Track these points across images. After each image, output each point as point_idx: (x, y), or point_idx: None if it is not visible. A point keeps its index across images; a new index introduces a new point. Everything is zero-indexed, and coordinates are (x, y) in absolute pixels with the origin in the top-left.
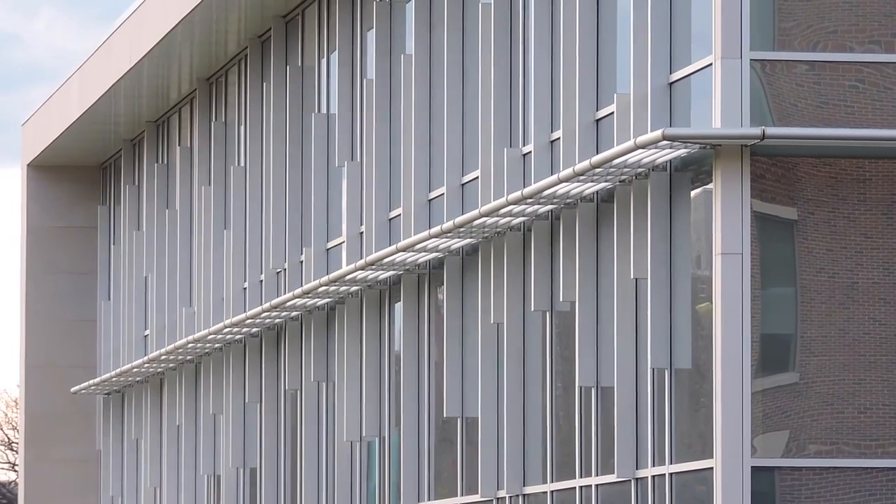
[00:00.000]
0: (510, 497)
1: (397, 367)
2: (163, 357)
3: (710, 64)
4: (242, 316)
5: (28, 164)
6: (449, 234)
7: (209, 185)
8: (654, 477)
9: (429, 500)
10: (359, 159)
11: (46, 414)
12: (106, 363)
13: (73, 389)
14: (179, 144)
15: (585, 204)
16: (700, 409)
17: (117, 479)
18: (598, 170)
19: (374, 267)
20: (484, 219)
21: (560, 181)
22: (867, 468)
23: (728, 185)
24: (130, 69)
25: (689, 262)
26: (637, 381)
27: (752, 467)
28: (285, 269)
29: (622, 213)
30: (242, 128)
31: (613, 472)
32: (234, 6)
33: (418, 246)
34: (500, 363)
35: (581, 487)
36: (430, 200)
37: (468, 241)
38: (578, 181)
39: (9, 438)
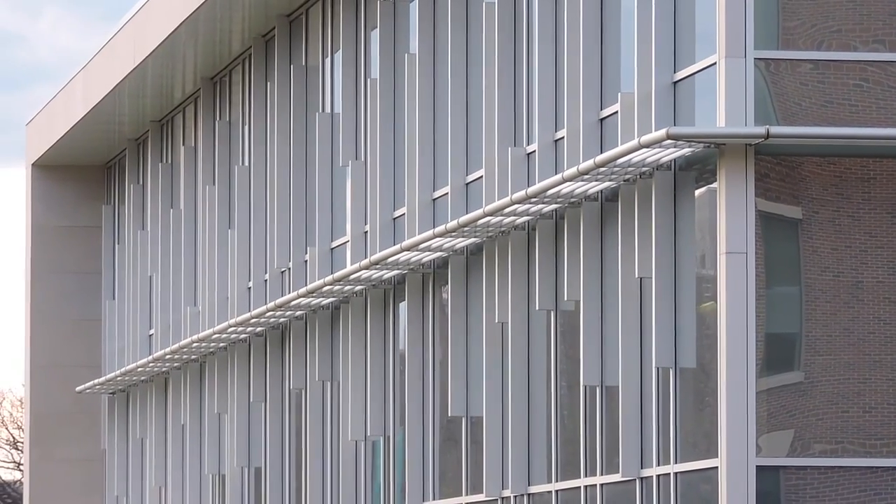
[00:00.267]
0: (515, 496)
1: (402, 366)
2: (167, 356)
3: (715, 63)
4: (247, 315)
5: (32, 164)
6: (453, 234)
7: (213, 184)
8: (658, 476)
9: (433, 499)
10: (363, 159)
11: (51, 413)
12: (111, 362)
13: (77, 389)
14: (184, 144)
15: (589, 203)
16: (705, 409)
17: (122, 479)
18: (602, 169)
19: (378, 266)
20: (488, 218)
21: (564, 180)
22: (872, 467)
23: (732, 184)
24: (134, 69)
25: (694, 262)
26: (642, 381)
27: (757, 466)
28: (290, 269)
29: (626, 213)
30: (246, 127)
31: (618, 472)
32: (238, 6)
33: (422, 245)
34: (505, 362)
35: (586, 487)
36: (434, 200)
37: (472, 240)
38: (582, 180)
39: (14, 438)
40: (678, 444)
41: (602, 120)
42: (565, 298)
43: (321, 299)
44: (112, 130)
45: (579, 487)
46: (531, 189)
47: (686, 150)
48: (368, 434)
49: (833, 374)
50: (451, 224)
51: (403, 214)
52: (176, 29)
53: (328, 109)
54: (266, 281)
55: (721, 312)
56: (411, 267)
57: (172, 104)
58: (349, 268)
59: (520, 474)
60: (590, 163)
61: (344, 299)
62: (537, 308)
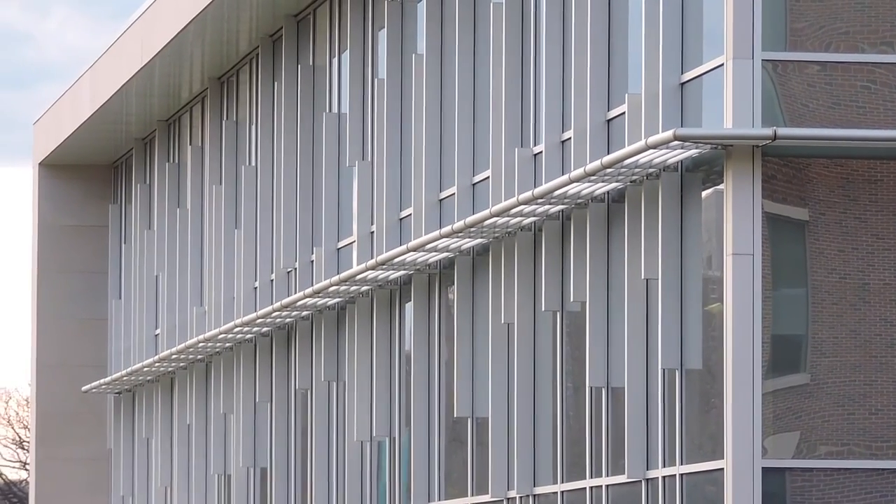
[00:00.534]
0: (520, 497)
1: (408, 366)
2: (173, 356)
3: (722, 64)
4: (253, 315)
5: (39, 163)
6: (460, 234)
7: (220, 184)
8: (664, 478)
9: (439, 500)
10: (370, 159)
11: (57, 413)
12: (117, 362)
13: (83, 388)
14: (191, 143)
15: (596, 204)
16: (711, 410)
17: (128, 479)
18: (609, 170)
19: (384, 267)
20: (495, 219)
21: (571, 181)
22: (878, 469)
23: (739, 185)
24: (142, 68)
25: (700, 263)
26: (648, 382)
27: (762, 468)
28: (296, 269)
29: (633, 214)
30: (254, 127)
31: (624, 473)
32: (246, 5)
33: (429, 246)
34: (511, 363)
35: (591, 488)
36: (440, 200)
37: (479, 241)
38: (589, 181)
39: (20, 437)
40: (684, 446)
41: (609, 121)
42: (571, 299)
43: (327, 299)
44: (119, 130)
45: (585, 488)
46: (538, 190)
47: (693, 152)
48: (374, 434)
49: (839, 375)
50: (458, 224)
51: (410, 215)
52: (183, 29)
53: (335, 109)
54: (272, 281)
55: (727, 314)
56: (417, 267)
57: (179, 104)
58: (355, 268)
59: (525, 475)
60: (597, 164)
61: (350, 299)
62: (543, 309)
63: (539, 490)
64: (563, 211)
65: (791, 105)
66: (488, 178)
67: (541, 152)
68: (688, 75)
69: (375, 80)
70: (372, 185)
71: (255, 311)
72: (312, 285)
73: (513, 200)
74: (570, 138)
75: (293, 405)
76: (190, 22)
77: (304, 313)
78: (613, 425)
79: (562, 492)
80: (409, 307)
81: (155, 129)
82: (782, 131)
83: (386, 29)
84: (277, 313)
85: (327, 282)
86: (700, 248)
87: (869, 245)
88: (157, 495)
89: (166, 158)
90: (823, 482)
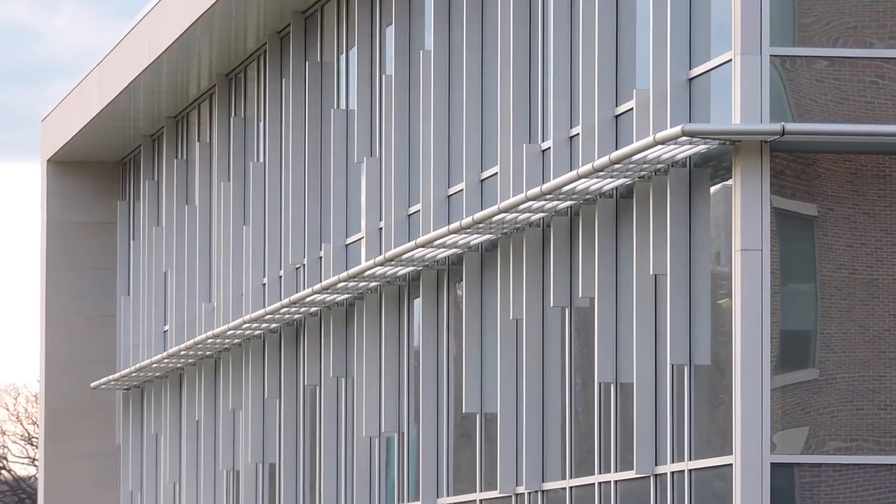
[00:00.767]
0: (529, 493)
1: (416, 363)
2: (182, 352)
3: (730, 60)
4: (261, 311)
5: (48, 160)
6: (468, 230)
7: (228, 180)
8: (673, 473)
9: (448, 495)
10: (378, 155)
11: (66, 409)
12: (125, 358)
13: (92, 385)
14: (199, 140)
15: (604, 200)
16: (719, 406)
17: (137, 475)
18: (617, 166)
19: (393, 263)
20: (503, 215)
21: (579, 177)
22: (887, 465)
23: (748, 181)
24: (150, 65)
25: (709, 259)
26: (656, 378)
27: (771, 464)
28: (304, 265)
29: (641, 210)
30: (262, 124)
31: (632, 469)
32: (254, 2)
33: (437, 242)
34: (519, 359)
35: (600, 484)
36: (449, 196)
37: (487, 237)
38: (597, 177)
39: (29, 433)
40: (693, 441)
41: (617, 116)
42: (580, 295)
43: (336, 296)
44: (127, 127)
45: (593, 484)
46: (546, 186)
47: (701, 147)
48: (383, 430)
49: (848, 371)
50: (466, 220)
51: (418, 211)
52: (191, 25)
53: (343, 106)
54: (281, 277)
55: (736, 309)
56: (426, 263)
57: (187, 100)
58: (364, 264)
59: (534, 471)
60: (605, 159)
61: (358, 296)
62: (552, 305)
63: (547, 486)
64: (571, 207)
65: (799, 100)
66: (496, 173)
67: (549, 148)
68: (696, 71)
69: (383, 76)
70: (380, 181)
71: (264, 307)
72: (321, 281)
73: (521, 196)
74: (578, 134)
75: (302, 401)
76: (198, 18)
77: (313, 309)
78: (622, 421)
79: (570, 487)
80: (418, 303)
81: (163, 125)
82: (790, 126)
83: (394, 25)
84: (286, 309)
85: (336, 278)
86: (708, 243)
87: (878, 240)
88: (166, 491)
89: (174, 155)
90: (832, 478)
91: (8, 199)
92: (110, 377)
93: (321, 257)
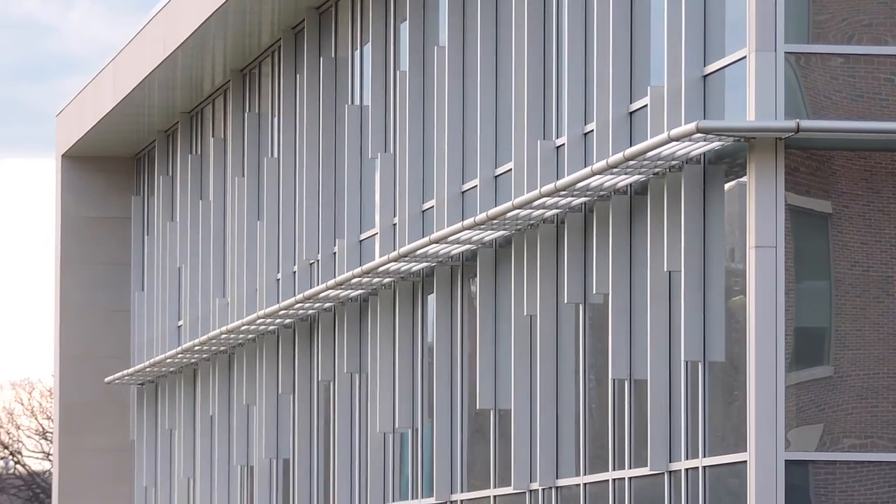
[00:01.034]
0: (543, 489)
1: (430, 358)
2: (196, 348)
3: (745, 56)
4: (276, 307)
5: (62, 155)
6: (482, 227)
7: (243, 176)
8: (687, 470)
9: (461, 492)
10: (392, 151)
11: (81, 404)
12: (140, 353)
13: (107, 379)
14: (213, 135)
15: (619, 196)
16: (734, 403)
17: (151, 470)
18: (631, 162)
19: (407, 259)
20: (517, 211)
21: (593, 174)
22: None
23: (762, 178)
24: (164, 60)
25: (723, 256)
26: (670, 374)
27: (786, 461)
28: (318, 261)
29: (655, 206)
30: (276, 119)
31: (646, 465)
32: None
33: (451, 238)
34: (533, 355)
35: (614, 480)
36: (463, 192)
37: (501, 233)
38: (612, 174)
39: (43, 428)
40: (707, 438)
41: (632, 113)
42: (594, 292)
43: (350, 291)
44: (142, 122)
45: (607, 481)
46: (560, 182)
47: (716, 144)
48: (397, 426)
49: (863, 368)
50: (480, 217)
51: (432, 207)
52: (206, 21)
53: (357, 102)
54: (295, 273)
55: (750, 306)
56: (440, 259)
57: (202, 96)
58: (378, 260)
59: (548, 467)
60: (619, 156)
61: (372, 291)
62: (566, 301)
63: (561, 482)
64: (585, 203)
65: (814, 97)
66: (511, 170)
67: (563, 144)
68: (710, 67)
69: (398, 72)
70: (394, 177)
71: (278, 302)
72: (335, 277)
73: (535, 193)
74: (592, 130)
75: (316, 397)
76: (212, 14)
77: (327, 305)
78: (636, 417)
79: (584, 484)
80: (432, 299)
81: (177, 121)
82: (805, 124)
83: (408, 21)
84: (300, 305)
85: (350, 274)
86: (723, 240)
87: (892, 237)
88: (180, 486)
89: (189, 150)
90: (847, 475)
91: (23, 194)
92: (124, 372)
93: (335, 253)
